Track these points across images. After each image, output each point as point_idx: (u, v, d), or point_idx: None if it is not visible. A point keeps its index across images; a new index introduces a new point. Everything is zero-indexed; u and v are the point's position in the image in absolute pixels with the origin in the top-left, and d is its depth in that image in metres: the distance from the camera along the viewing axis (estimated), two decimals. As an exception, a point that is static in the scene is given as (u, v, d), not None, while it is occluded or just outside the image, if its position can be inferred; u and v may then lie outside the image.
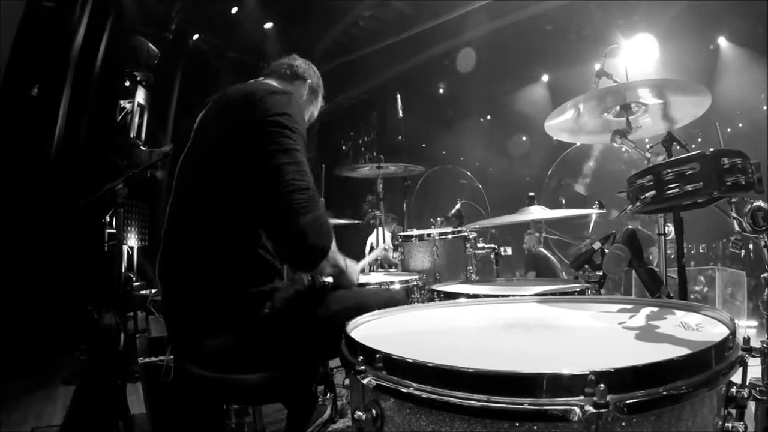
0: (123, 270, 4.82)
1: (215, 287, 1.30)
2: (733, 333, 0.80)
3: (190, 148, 1.43)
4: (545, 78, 7.78)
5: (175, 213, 1.40)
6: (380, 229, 3.41)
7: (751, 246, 3.46)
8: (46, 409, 2.95)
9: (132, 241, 5.12)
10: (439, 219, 2.99)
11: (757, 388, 0.81)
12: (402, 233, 2.74)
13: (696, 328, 0.93)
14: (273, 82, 1.56)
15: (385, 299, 1.45)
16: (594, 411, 0.60)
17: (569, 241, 3.96)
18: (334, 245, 1.30)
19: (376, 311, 1.21)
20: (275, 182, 1.20)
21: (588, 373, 0.62)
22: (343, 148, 9.50)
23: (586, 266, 1.61)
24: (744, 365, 0.78)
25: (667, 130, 1.67)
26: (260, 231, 1.33)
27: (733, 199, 1.13)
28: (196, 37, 6.65)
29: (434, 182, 5.01)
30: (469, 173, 5.42)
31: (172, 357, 2.19)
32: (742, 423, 0.74)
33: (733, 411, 0.76)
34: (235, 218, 1.31)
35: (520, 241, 5.54)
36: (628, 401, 0.62)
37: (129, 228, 4.99)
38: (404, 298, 2.03)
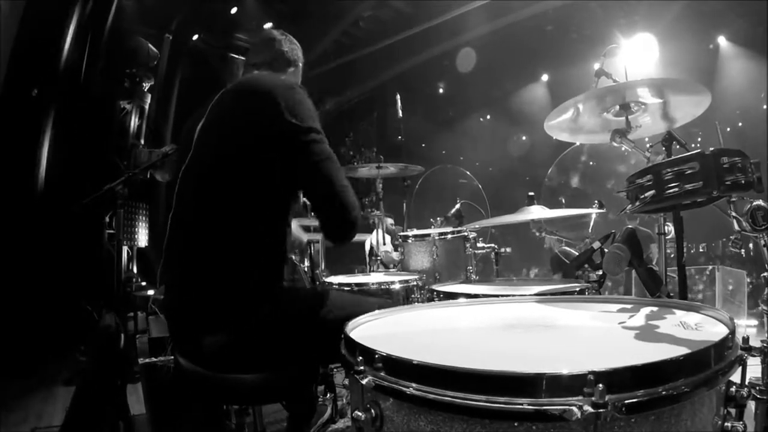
0: (123, 270, 4.83)
1: (218, 286, 1.30)
2: (732, 332, 0.80)
3: (193, 157, 1.41)
4: (545, 77, 7.78)
5: (179, 219, 1.40)
6: (379, 230, 3.41)
7: (750, 245, 3.45)
8: (46, 410, 2.95)
9: (132, 241, 5.11)
10: (438, 219, 2.99)
11: (757, 388, 0.81)
12: (401, 233, 2.74)
13: (695, 327, 0.92)
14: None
15: (385, 304, 1.46)
16: (592, 411, 0.60)
17: (569, 240, 3.95)
18: None
19: (376, 311, 1.21)
20: (328, 186, 1.30)
21: (587, 373, 0.62)
22: (343, 148, 9.50)
23: (586, 266, 1.61)
24: (743, 365, 0.77)
25: (666, 130, 1.67)
26: (264, 230, 1.33)
27: (733, 199, 1.12)
28: (196, 37, 6.65)
29: (434, 182, 5.00)
30: (468, 173, 5.41)
31: (172, 357, 2.19)
32: (741, 422, 0.74)
33: (733, 410, 0.76)
34: (242, 219, 1.31)
35: (520, 241, 5.53)
36: (626, 401, 0.62)
37: (129, 228, 4.99)
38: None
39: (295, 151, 1.30)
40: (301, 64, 1.67)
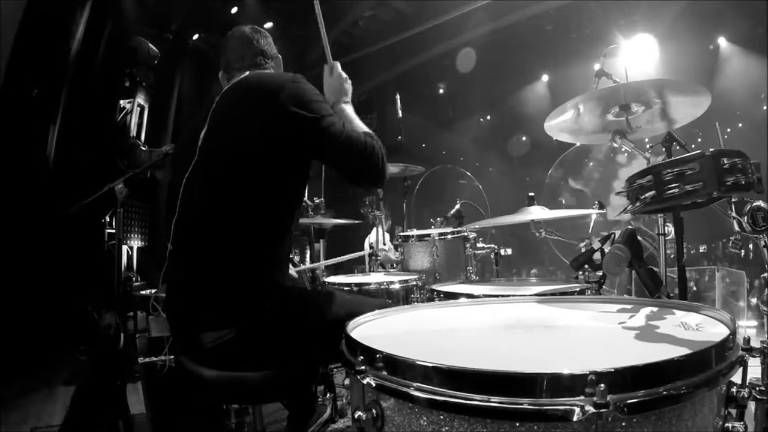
0: (123, 270, 4.82)
1: (220, 285, 1.31)
2: (733, 333, 0.80)
3: (198, 162, 1.40)
4: (545, 78, 7.78)
5: (183, 223, 1.40)
6: (379, 229, 3.41)
7: (750, 246, 3.45)
8: (46, 409, 2.95)
9: (132, 241, 5.11)
10: (438, 219, 2.99)
11: (757, 388, 0.81)
12: (402, 233, 2.73)
13: (696, 328, 0.93)
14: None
15: (385, 305, 1.46)
16: (594, 411, 0.60)
17: (569, 241, 3.95)
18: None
19: (377, 311, 1.21)
20: (356, 157, 1.31)
21: (588, 373, 0.62)
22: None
23: (586, 266, 1.61)
24: (744, 365, 0.78)
25: (666, 130, 1.67)
26: (269, 230, 1.34)
27: (733, 199, 1.13)
28: (196, 37, 6.65)
29: (434, 182, 5.00)
30: (468, 173, 5.41)
31: (172, 357, 2.19)
32: (742, 423, 0.74)
33: (733, 411, 0.76)
34: (248, 219, 1.32)
35: (521, 241, 5.53)
36: (628, 401, 0.62)
37: (129, 228, 4.98)
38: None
39: (314, 142, 1.32)
40: (279, 55, 1.67)
